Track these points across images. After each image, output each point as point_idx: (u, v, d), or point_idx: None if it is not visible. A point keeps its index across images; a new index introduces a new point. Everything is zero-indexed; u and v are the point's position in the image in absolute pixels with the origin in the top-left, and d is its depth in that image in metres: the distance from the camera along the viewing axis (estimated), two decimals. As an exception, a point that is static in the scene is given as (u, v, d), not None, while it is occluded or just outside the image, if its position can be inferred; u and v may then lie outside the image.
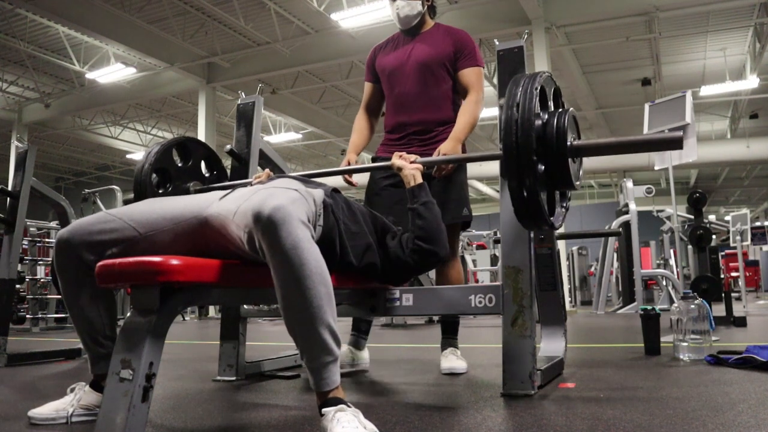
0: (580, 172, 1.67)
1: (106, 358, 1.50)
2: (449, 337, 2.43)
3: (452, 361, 2.31)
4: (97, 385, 1.52)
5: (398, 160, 1.85)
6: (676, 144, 1.49)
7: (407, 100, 2.35)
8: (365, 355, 2.47)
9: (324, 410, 1.23)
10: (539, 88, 1.53)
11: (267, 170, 2.03)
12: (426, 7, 2.41)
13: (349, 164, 2.31)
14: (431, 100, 2.32)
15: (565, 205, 1.77)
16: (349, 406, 1.23)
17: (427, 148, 2.28)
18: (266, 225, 1.20)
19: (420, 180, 1.82)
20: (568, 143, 1.53)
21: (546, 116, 1.55)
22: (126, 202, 2.22)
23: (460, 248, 10.30)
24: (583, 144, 1.58)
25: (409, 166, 1.83)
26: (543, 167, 1.52)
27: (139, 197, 1.90)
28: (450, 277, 2.33)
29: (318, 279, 1.23)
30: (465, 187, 2.36)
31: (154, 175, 1.96)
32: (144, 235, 1.41)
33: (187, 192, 2.05)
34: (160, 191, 1.97)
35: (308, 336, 1.24)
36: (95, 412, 1.49)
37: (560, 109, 1.59)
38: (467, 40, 2.39)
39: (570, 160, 1.55)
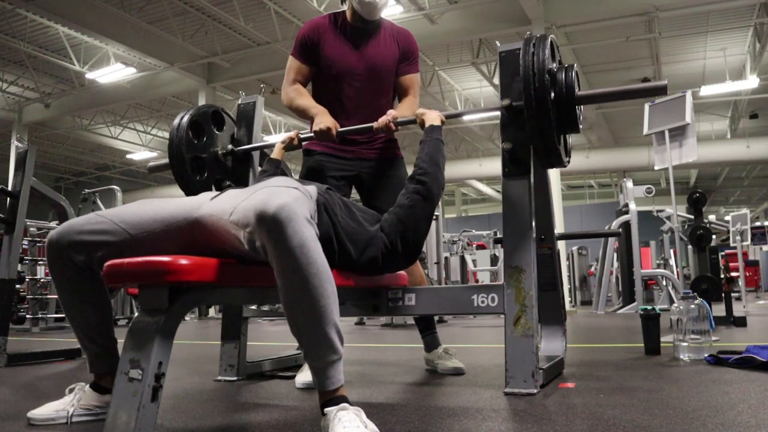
0: (581, 118, 1.89)
1: (104, 357, 1.52)
2: (431, 333, 2.38)
3: (452, 361, 2.30)
4: (96, 386, 1.53)
5: (420, 108, 2.04)
6: (660, 90, 1.79)
7: (355, 106, 2.23)
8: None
9: (326, 409, 1.23)
10: (550, 45, 1.76)
11: (296, 131, 2.20)
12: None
13: (331, 128, 2.08)
14: (378, 110, 2.17)
15: (569, 149, 2.00)
16: (351, 405, 1.23)
17: (371, 150, 2.27)
18: (272, 224, 1.19)
19: (437, 122, 1.95)
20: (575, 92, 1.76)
21: (556, 69, 1.77)
22: (152, 170, 2.40)
23: (460, 248, 10.21)
24: (585, 93, 1.82)
25: (431, 114, 1.98)
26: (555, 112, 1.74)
27: (174, 153, 2.05)
28: (413, 273, 2.21)
29: (324, 277, 1.23)
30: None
31: (189, 132, 2.09)
32: (134, 236, 1.41)
33: (216, 156, 2.19)
34: (194, 143, 2.12)
35: (315, 335, 1.23)
36: (95, 412, 1.50)
37: (567, 65, 1.80)
38: (413, 44, 2.31)
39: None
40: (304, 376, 2.04)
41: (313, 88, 2.33)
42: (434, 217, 1.94)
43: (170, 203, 1.48)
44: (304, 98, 2.23)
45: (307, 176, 2.24)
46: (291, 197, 1.25)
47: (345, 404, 1.22)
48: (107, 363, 1.52)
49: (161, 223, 1.42)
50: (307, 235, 1.21)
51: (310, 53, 2.24)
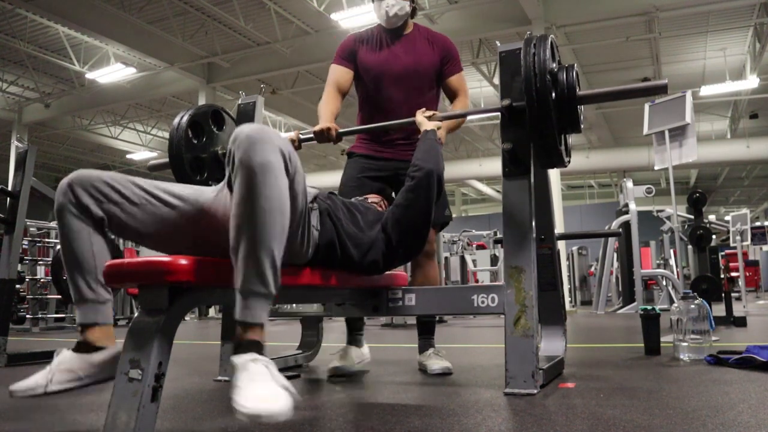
0: (582, 118, 1.88)
1: (97, 304, 1.39)
2: (428, 337, 2.46)
3: (441, 361, 2.31)
4: (83, 345, 1.36)
5: (420, 116, 2.05)
6: (661, 90, 1.79)
7: (393, 106, 2.34)
8: (366, 350, 2.53)
9: (234, 358, 1.14)
10: (551, 45, 1.77)
11: (296, 131, 2.23)
12: (411, 8, 2.40)
13: (330, 129, 2.20)
14: (417, 107, 2.25)
15: (569, 149, 1.99)
16: (263, 355, 1.15)
17: (410, 150, 2.31)
18: (242, 141, 1.19)
19: (431, 127, 1.97)
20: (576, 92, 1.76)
21: (557, 69, 1.77)
22: (153, 169, 2.46)
23: (460, 248, 10.23)
24: (586, 93, 1.83)
25: (428, 122, 2.01)
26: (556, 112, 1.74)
27: (173, 153, 2.06)
28: (427, 275, 2.37)
29: (276, 205, 1.19)
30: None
31: (189, 131, 2.10)
32: (142, 206, 1.40)
33: (216, 155, 2.21)
34: (194, 143, 2.13)
35: (248, 258, 1.18)
36: (78, 376, 1.31)
37: (567, 65, 1.80)
38: (451, 46, 2.44)
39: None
40: (339, 362, 2.29)
41: (359, 99, 2.48)
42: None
43: (185, 187, 1.51)
44: (326, 106, 2.33)
45: (345, 177, 2.38)
46: (272, 130, 1.26)
47: (255, 354, 1.14)
48: (100, 312, 1.39)
49: (176, 198, 1.43)
50: (272, 159, 1.20)
51: (350, 57, 2.41)
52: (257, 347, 1.16)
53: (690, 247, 5.96)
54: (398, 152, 2.38)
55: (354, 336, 2.52)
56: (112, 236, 1.42)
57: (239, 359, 1.12)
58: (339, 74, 2.39)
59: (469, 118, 2.48)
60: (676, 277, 7.76)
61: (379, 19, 2.38)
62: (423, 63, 2.36)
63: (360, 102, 2.48)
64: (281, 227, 1.21)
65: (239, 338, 1.18)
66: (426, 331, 2.47)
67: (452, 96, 2.44)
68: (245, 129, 1.22)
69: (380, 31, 2.42)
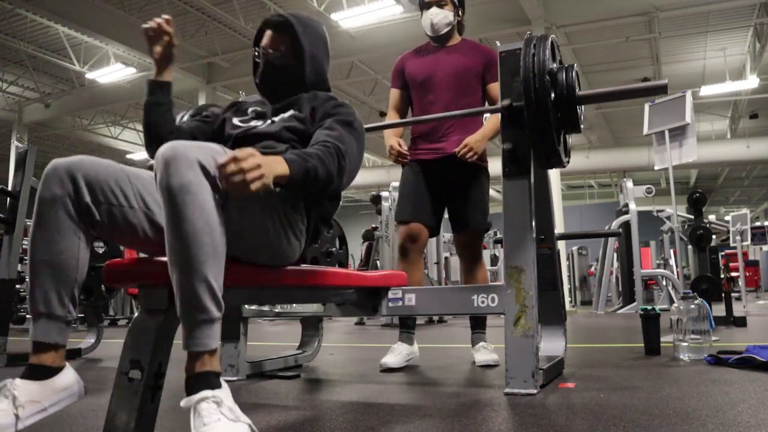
0: (582, 118, 1.89)
1: (61, 324, 1.24)
2: (477, 331, 2.59)
3: (487, 354, 2.45)
4: (34, 371, 1.24)
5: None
6: (661, 90, 1.79)
7: (440, 108, 2.43)
8: (415, 348, 2.60)
9: (185, 400, 1.08)
10: (551, 45, 1.76)
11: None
12: (456, 21, 2.54)
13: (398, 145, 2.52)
14: (463, 108, 2.37)
15: (568, 150, 1.99)
16: (216, 386, 1.09)
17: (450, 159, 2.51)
18: (158, 163, 1.11)
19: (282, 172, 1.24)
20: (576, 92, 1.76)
21: (556, 69, 1.77)
22: (152, 168, 2.47)
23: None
24: (586, 93, 1.83)
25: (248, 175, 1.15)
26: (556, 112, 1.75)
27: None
28: (477, 278, 2.55)
29: (202, 227, 1.10)
30: (487, 196, 2.56)
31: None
32: (138, 210, 1.31)
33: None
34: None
35: (183, 287, 1.10)
36: (44, 407, 1.23)
37: (567, 65, 1.81)
38: (494, 56, 2.55)
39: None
40: (388, 358, 2.41)
41: (413, 110, 2.64)
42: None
43: None
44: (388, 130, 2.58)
45: (403, 180, 2.58)
46: (190, 144, 1.15)
47: (206, 392, 1.07)
48: (64, 332, 1.25)
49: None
50: (191, 179, 1.10)
51: (400, 78, 2.62)
52: (207, 380, 1.10)
53: (690, 247, 5.96)
54: (445, 149, 2.50)
55: (404, 333, 2.62)
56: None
57: (188, 402, 1.06)
58: (395, 98, 2.64)
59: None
60: (676, 277, 7.76)
61: (426, 29, 2.53)
62: (467, 66, 2.48)
63: (414, 113, 2.63)
64: (212, 247, 1.11)
65: (187, 372, 1.12)
66: (476, 325, 2.60)
67: (491, 102, 2.57)
68: (161, 149, 1.12)
69: (429, 43, 2.60)
